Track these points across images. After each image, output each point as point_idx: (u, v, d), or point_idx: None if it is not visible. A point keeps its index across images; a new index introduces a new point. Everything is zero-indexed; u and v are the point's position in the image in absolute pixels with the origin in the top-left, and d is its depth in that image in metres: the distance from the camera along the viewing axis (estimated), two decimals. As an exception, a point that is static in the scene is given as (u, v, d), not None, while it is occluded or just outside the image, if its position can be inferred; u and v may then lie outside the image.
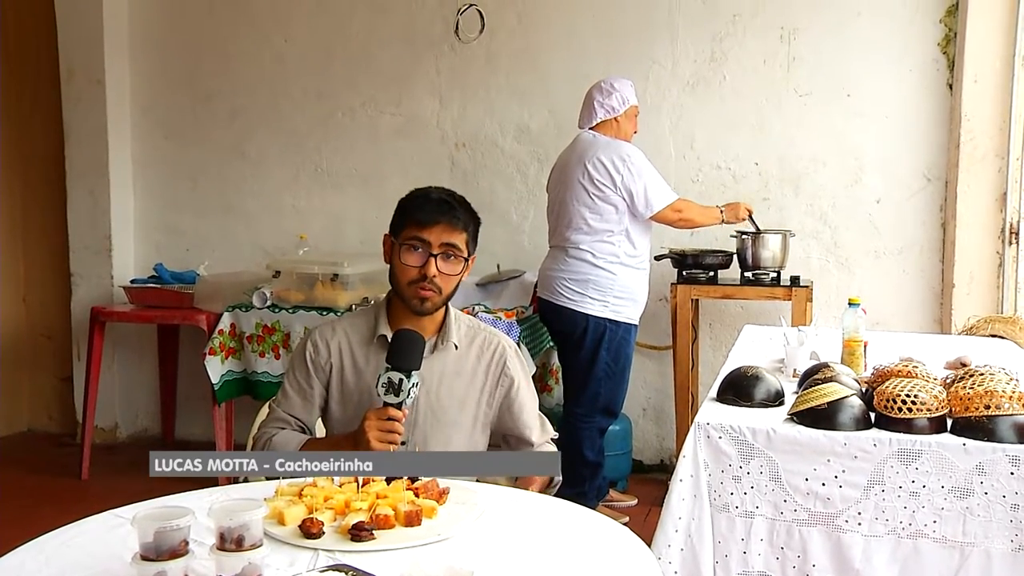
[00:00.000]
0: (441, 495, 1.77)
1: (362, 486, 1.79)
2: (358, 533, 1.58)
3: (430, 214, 2.17)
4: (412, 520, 1.65)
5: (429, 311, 2.19)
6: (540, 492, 2.20)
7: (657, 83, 4.54)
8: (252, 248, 5.13)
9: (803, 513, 2.09)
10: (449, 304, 2.28)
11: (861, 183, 4.37)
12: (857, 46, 4.32)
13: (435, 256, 2.15)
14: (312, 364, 2.27)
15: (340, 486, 1.80)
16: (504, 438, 2.35)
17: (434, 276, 2.15)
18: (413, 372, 1.96)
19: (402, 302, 2.21)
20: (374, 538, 1.59)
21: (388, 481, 1.81)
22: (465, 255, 2.20)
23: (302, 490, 1.76)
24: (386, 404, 1.97)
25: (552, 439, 2.40)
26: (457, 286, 2.24)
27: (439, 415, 2.23)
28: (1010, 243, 4.10)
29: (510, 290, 4.45)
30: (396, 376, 1.94)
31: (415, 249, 2.16)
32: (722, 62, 4.48)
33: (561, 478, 2.29)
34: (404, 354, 1.98)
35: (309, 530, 1.60)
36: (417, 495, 1.74)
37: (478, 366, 2.27)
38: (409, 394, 1.95)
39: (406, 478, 1.82)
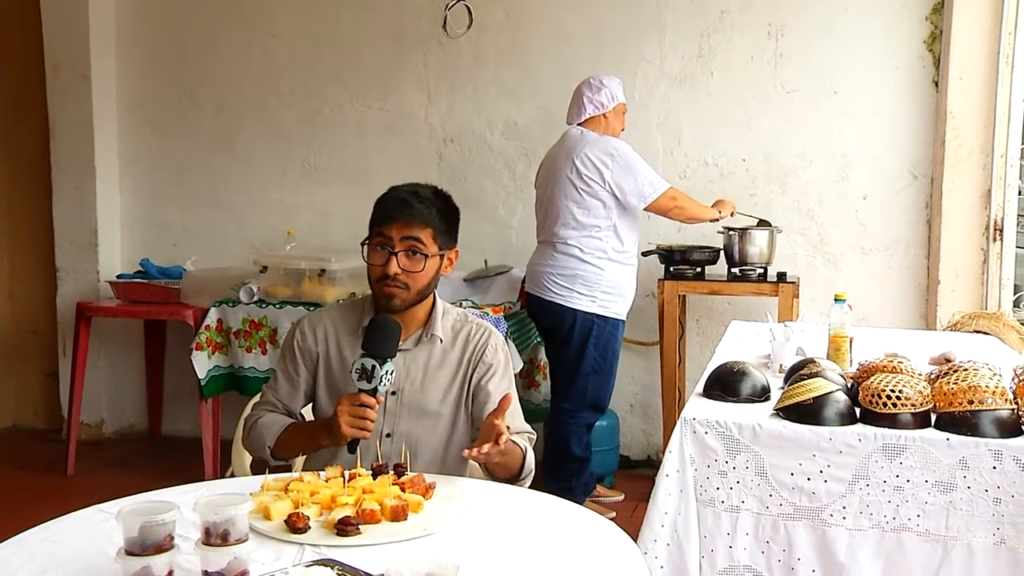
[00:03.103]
0: (427, 490, 1.77)
1: (348, 481, 1.79)
2: (344, 528, 1.59)
3: (388, 211, 2.15)
4: (398, 515, 1.65)
5: (398, 308, 2.15)
6: (505, 479, 2.11)
7: (645, 79, 4.54)
8: (239, 243, 5.11)
9: (788, 507, 2.10)
10: (438, 297, 2.28)
11: (848, 180, 4.39)
12: (844, 43, 4.33)
13: (396, 254, 2.12)
14: (299, 351, 2.28)
15: (326, 481, 1.80)
16: (476, 427, 2.23)
17: (397, 273, 2.12)
18: (388, 360, 1.96)
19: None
20: (360, 533, 1.59)
21: (374, 476, 1.81)
22: (429, 251, 2.14)
23: (288, 485, 1.76)
24: (360, 390, 1.97)
25: (529, 437, 2.23)
26: (433, 282, 2.20)
27: (423, 406, 2.22)
28: (994, 240, 4.13)
29: (498, 285, 4.45)
30: (369, 362, 1.94)
31: (380, 248, 2.15)
32: (710, 59, 4.49)
33: (532, 469, 2.15)
34: (378, 341, 1.97)
35: (295, 525, 1.60)
36: (403, 490, 1.74)
37: (462, 357, 2.25)
38: (382, 381, 1.95)
39: (392, 472, 1.82)
